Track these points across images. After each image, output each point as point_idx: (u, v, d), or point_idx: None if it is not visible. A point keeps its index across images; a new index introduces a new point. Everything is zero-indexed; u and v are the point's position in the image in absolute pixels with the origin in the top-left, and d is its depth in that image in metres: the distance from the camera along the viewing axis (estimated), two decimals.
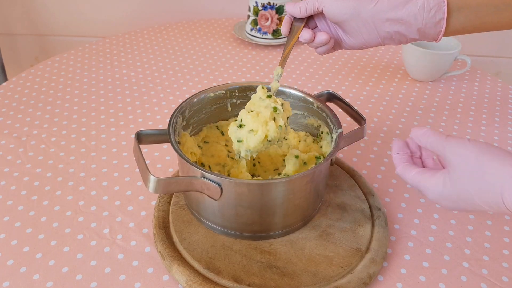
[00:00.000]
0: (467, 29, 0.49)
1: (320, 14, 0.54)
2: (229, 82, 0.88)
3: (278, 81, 0.54)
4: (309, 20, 0.55)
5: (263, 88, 0.53)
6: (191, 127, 0.60)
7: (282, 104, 0.53)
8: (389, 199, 0.62)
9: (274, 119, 0.51)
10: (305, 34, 0.53)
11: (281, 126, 0.51)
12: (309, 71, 0.95)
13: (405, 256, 0.54)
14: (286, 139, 0.62)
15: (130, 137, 0.73)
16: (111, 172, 0.66)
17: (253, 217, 0.50)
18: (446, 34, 0.50)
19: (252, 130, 0.51)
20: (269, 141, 0.51)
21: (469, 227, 0.58)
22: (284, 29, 0.55)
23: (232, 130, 0.52)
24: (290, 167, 0.55)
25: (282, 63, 0.54)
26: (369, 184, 0.61)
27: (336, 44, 0.55)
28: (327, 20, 0.54)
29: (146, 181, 0.46)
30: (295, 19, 0.54)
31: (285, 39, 1.03)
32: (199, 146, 0.60)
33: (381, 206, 0.58)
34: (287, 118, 0.53)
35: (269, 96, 0.52)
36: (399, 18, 0.49)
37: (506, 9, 0.48)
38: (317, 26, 0.55)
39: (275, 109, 0.51)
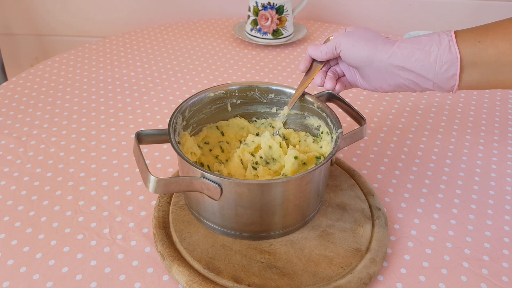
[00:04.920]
0: (482, 84, 0.49)
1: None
2: (229, 82, 0.88)
3: (282, 122, 0.61)
4: (332, 59, 0.58)
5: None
6: (191, 127, 0.60)
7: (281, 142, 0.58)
8: (389, 199, 0.62)
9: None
10: (316, 79, 0.57)
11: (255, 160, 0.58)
12: None
13: (405, 256, 0.54)
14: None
15: (130, 137, 0.73)
16: (111, 172, 0.66)
17: (253, 217, 0.50)
18: (461, 88, 0.49)
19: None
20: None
21: (469, 227, 0.58)
22: (302, 66, 0.58)
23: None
24: (289, 167, 0.55)
25: (290, 104, 0.59)
26: (369, 184, 0.62)
27: (353, 84, 0.58)
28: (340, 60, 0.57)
29: (146, 181, 0.46)
30: (315, 60, 0.58)
31: (285, 39, 1.04)
32: (199, 146, 0.60)
33: (381, 206, 0.58)
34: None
35: (252, 155, 0.59)
36: (411, 72, 0.49)
37: None
38: (337, 63, 0.58)
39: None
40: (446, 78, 0.48)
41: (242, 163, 0.58)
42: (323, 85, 0.57)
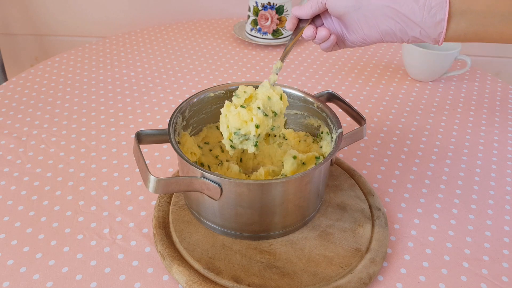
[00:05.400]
0: (469, 36, 0.49)
1: (326, 12, 0.55)
2: (229, 82, 0.88)
3: (276, 74, 0.54)
4: (316, 19, 0.56)
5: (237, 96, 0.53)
6: (191, 127, 0.60)
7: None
8: (389, 199, 0.62)
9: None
10: (307, 31, 0.54)
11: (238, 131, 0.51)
12: (309, 71, 0.95)
13: (405, 256, 0.54)
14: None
15: (130, 137, 0.73)
16: (111, 172, 0.66)
17: (253, 217, 0.50)
18: (448, 39, 0.49)
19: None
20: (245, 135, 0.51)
21: (469, 227, 0.58)
22: (289, 25, 0.56)
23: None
24: (288, 167, 0.55)
25: (283, 58, 0.54)
26: (369, 184, 0.62)
27: (339, 41, 0.56)
28: (332, 16, 0.55)
29: (146, 181, 0.46)
30: (301, 20, 0.56)
31: (285, 39, 1.04)
32: (199, 146, 0.60)
33: (381, 206, 0.58)
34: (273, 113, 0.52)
35: (243, 107, 0.51)
36: (399, 14, 0.49)
37: None
38: (323, 24, 0.56)
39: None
40: (433, 24, 0.48)
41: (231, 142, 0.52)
42: (315, 37, 0.55)
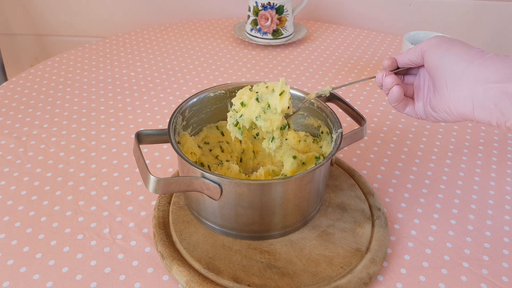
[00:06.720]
0: None
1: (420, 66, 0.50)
2: (229, 82, 0.88)
3: (316, 94, 0.55)
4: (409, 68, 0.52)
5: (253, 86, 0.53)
6: (191, 127, 0.60)
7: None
8: (389, 199, 0.62)
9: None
10: (378, 74, 0.49)
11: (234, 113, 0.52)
12: (309, 71, 0.95)
13: (405, 256, 0.54)
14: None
15: (130, 137, 0.73)
16: (111, 172, 0.66)
17: (253, 217, 0.50)
18: None
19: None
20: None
21: (469, 227, 0.58)
22: (386, 63, 0.50)
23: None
24: (288, 167, 0.55)
25: (336, 87, 0.53)
26: (369, 184, 0.62)
27: (419, 104, 0.49)
28: (420, 72, 0.50)
29: (146, 181, 0.46)
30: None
31: (285, 39, 1.04)
32: (199, 146, 0.60)
33: (381, 206, 0.58)
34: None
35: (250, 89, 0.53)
36: (504, 88, 0.39)
37: None
38: (414, 78, 0.51)
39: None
40: None
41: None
42: (382, 81, 0.49)
